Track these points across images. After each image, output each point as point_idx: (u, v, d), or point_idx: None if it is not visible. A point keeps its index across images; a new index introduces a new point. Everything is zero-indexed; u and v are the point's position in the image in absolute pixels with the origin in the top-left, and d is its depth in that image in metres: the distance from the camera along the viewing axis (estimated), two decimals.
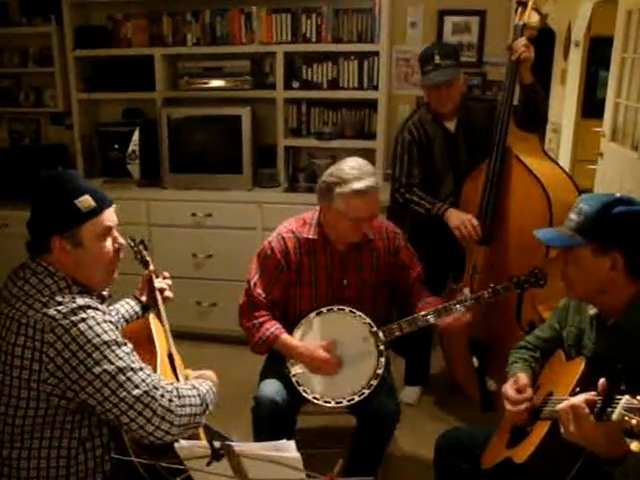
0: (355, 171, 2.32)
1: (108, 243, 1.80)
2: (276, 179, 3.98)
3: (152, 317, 2.20)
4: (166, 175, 3.97)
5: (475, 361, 2.79)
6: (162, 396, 1.67)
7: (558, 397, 1.68)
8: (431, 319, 2.33)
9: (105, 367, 1.62)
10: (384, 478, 2.73)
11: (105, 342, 1.64)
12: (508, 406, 1.83)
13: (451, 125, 3.01)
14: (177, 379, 2.06)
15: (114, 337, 1.67)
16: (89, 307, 1.68)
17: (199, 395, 1.79)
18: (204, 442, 1.43)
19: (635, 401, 1.22)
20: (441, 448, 2.13)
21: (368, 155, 3.90)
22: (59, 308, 1.64)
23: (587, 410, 1.36)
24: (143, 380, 1.66)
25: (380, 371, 2.36)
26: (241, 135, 3.77)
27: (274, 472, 1.43)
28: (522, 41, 2.67)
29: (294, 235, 2.48)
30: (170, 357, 2.13)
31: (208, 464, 1.43)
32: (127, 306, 2.30)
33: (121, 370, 1.64)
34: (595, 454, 1.40)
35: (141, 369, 1.68)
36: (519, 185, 2.72)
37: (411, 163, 3.00)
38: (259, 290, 2.45)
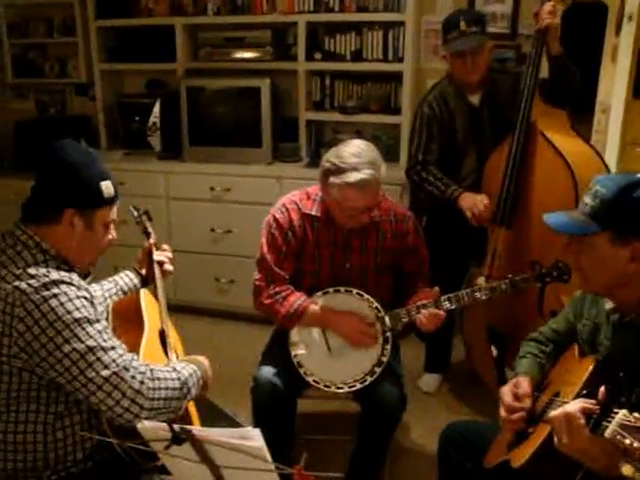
0: (354, 159, 2.16)
1: (109, 233, 1.78)
2: (297, 154, 3.87)
3: (143, 292, 2.13)
4: (186, 148, 3.89)
5: (494, 350, 2.65)
6: (133, 378, 1.60)
7: (562, 399, 1.53)
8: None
9: (74, 346, 1.56)
10: (392, 468, 2.62)
11: (76, 319, 1.58)
12: (502, 412, 1.70)
13: (475, 99, 2.83)
14: (167, 357, 1.99)
15: (86, 314, 1.60)
16: (62, 282, 1.62)
17: (178, 379, 1.71)
18: (166, 425, 1.35)
19: (632, 418, 1.06)
20: (444, 443, 2.01)
21: (393, 130, 3.79)
22: (31, 282, 1.58)
23: (582, 421, 1.20)
24: (113, 360, 1.59)
25: (385, 358, 2.25)
26: (260, 107, 3.66)
27: (241, 460, 1.34)
28: (547, 7, 2.48)
29: (297, 207, 2.37)
30: (162, 334, 2.06)
31: (167, 447, 1.35)
32: (126, 278, 2.24)
33: (91, 349, 1.58)
34: (592, 470, 1.26)
35: (113, 348, 1.61)
36: (543, 163, 2.54)
37: (430, 139, 2.84)
38: (274, 264, 2.34)
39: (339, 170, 2.15)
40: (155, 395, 1.62)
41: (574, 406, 1.24)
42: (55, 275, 1.62)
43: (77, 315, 1.59)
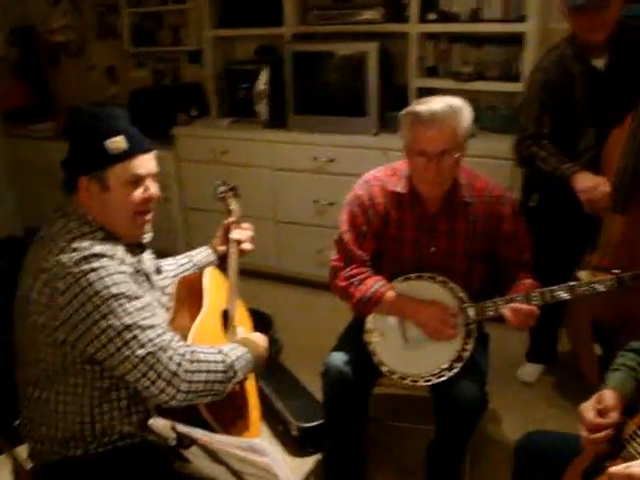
0: (433, 99, 1.98)
1: (137, 191, 1.66)
2: None
3: (209, 271, 2.04)
4: (291, 116, 3.77)
5: (598, 349, 2.33)
6: (170, 359, 1.53)
7: None
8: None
9: (111, 322, 1.52)
10: (474, 461, 2.40)
11: (113, 295, 1.53)
12: (583, 431, 1.43)
13: (599, 62, 2.44)
14: (227, 337, 1.90)
15: (124, 290, 1.54)
16: (104, 255, 1.56)
17: (223, 362, 1.63)
18: (170, 428, 1.24)
19: None
20: (520, 454, 1.76)
21: (512, 100, 3.43)
22: (72, 255, 1.54)
23: None
24: (150, 340, 1.53)
25: (466, 354, 2.03)
26: (367, 74, 3.44)
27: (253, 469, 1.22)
28: None
29: (381, 183, 2.17)
30: (225, 315, 1.97)
31: (175, 447, 1.26)
32: (201, 255, 2.18)
33: (127, 327, 1.52)
34: None
35: (151, 327, 1.55)
36: None
37: (542, 109, 2.49)
38: (352, 244, 2.17)
39: (412, 106, 1.99)
40: (194, 378, 1.55)
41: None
42: (97, 248, 1.57)
43: (115, 291, 1.53)
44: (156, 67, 4.55)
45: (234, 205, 2.31)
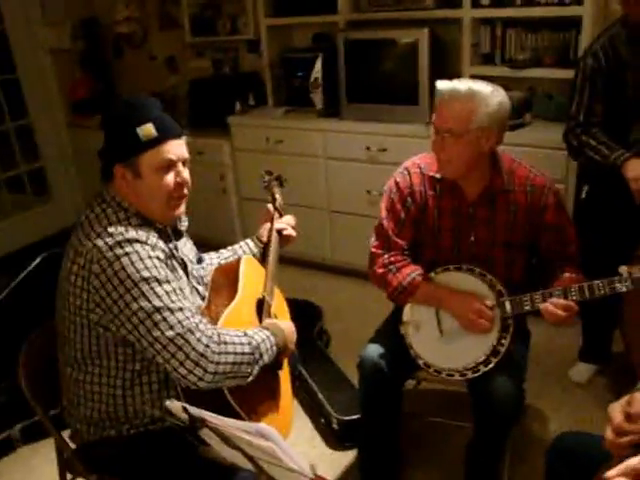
0: (457, 83, 1.96)
1: (169, 177, 1.72)
2: None
3: (245, 259, 2.08)
4: (344, 105, 3.76)
5: None
6: (198, 340, 1.58)
7: None
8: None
9: (142, 304, 1.58)
10: (516, 461, 2.36)
11: (144, 278, 1.59)
12: (608, 433, 1.38)
13: None
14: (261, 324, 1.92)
15: (155, 274, 1.61)
16: (137, 241, 1.64)
17: (249, 344, 1.67)
18: (182, 409, 1.28)
19: None
20: (551, 454, 1.72)
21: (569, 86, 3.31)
22: (107, 240, 1.62)
23: None
24: (179, 322, 1.59)
25: (502, 348, 1.99)
26: (418, 61, 3.39)
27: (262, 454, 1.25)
28: None
29: (420, 170, 2.15)
30: (260, 303, 2.00)
31: (187, 429, 1.32)
32: (246, 247, 2.24)
33: (157, 309, 1.58)
34: None
35: (180, 310, 1.61)
36: None
37: (593, 97, 2.41)
38: (391, 232, 2.17)
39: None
40: (221, 359, 1.60)
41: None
42: (132, 234, 1.64)
43: (146, 274, 1.60)
44: (216, 57, 4.61)
45: (278, 194, 2.35)
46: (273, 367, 1.93)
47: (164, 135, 1.69)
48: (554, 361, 3.01)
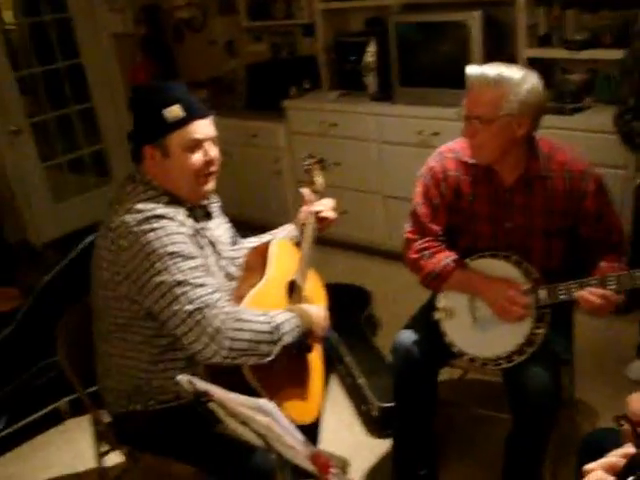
0: (487, 68, 1.90)
1: (197, 155, 1.77)
2: None
3: (276, 241, 2.09)
4: (396, 89, 3.72)
5: None
6: (215, 316, 1.62)
7: None
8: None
9: (165, 278, 1.63)
10: (562, 461, 2.27)
11: (169, 253, 1.65)
12: (625, 425, 1.33)
13: None
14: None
15: (180, 249, 1.66)
16: (164, 217, 1.70)
17: (269, 323, 1.70)
18: (188, 383, 1.32)
19: None
20: (582, 451, 1.67)
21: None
22: (136, 215, 1.68)
23: None
24: (199, 297, 1.63)
25: (537, 338, 1.94)
26: (471, 44, 3.30)
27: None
28: None
29: (455, 155, 2.11)
30: (291, 285, 2.01)
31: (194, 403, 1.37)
32: (285, 231, 2.25)
33: (179, 283, 1.63)
34: None
35: (201, 285, 1.65)
36: None
37: None
38: (425, 217, 2.14)
39: None
40: (237, 336, 1.63)
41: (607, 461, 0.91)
42: (160, 210, 1.70)
43: (171, 249, 1.65)
44: (273, 41, 4.63)
45: (318, 178, 2.35)
46: (301, 350, 1.95)
47: (190, 115, 1.74)
48: (611, 357, 2.90)
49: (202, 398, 1.30)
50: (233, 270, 1.98)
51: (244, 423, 1.33)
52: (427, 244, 2.12)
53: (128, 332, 1.79)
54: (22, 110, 4.56)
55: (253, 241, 2.22)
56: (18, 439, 2.72)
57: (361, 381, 2.72)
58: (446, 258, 2.08)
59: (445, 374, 2.66)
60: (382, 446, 2.52)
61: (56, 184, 4.79)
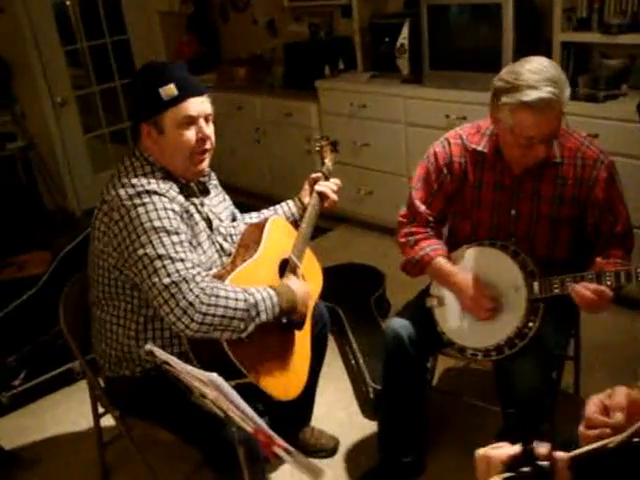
0: (534, 76, 1.78)
1: (190, 132, 1.82)
2: None
3: (272, 219, 2.12)
4: (426, 72, 3.66)
5: None
6: (190, 290, 1.66)
7: None
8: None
9: (147, 251, 1.69)
10: None
11: (154, 227, 1.70)
12: (581, 425, 1.30)
13: None
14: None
15: (165, 224, 1.72)
16: (156, 193, 1.76)
17: (245, 300, 1.73)
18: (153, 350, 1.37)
19: None
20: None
21: None
22: (128, 190, 1.75)
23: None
24: (177, 271, 1.68)
25: (529, 332, 1.90)
26: (502, 27, 3.21)
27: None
28: None
29: (462, 142, 2.07)
30: (284, 263, 2.03)
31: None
32: (286, 207, 2.29)
33: (160, 257, 1.69)
34: None
35: (181, 260, 1.70)
36: None
37: None
38: (420, 201, 2.14)
39: (514, 88, 1.80)
40: (209, 311, 1.67)
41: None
42: (152, 186, 1.76)
43: (157, 224, 1.71)
44: (312, 21, 4.62)
45: (328, 159, 2.36)
46: (288, 327, 1.97)
47: (185, 93, 1.78)
48: (625, 355, 2.81)
49: (162, 367, 1.34)
50: (227, 246, 2.01)
51: (203, 395, 1.36)
52: (414, 229, 2.13)
53: (117, 300, 1.85)
54: (69, 83, 4.71)
55: (254, 216, 2.26)
56: (34, 394, 2.88)
57: (361, 362, 2.72)
58: (428, 246, 2.07)
59: (450, 362, 2.65)
60: (375, 428, 2.52)
61: (97, 155, 4.95)
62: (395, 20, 3.83)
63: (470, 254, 2.05)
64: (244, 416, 1.28)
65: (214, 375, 1.26)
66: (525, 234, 2.01)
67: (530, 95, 1.76)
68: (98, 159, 4.95)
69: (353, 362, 2.82)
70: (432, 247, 2.07)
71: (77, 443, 2.62)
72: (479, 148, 2.03)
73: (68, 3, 4.81)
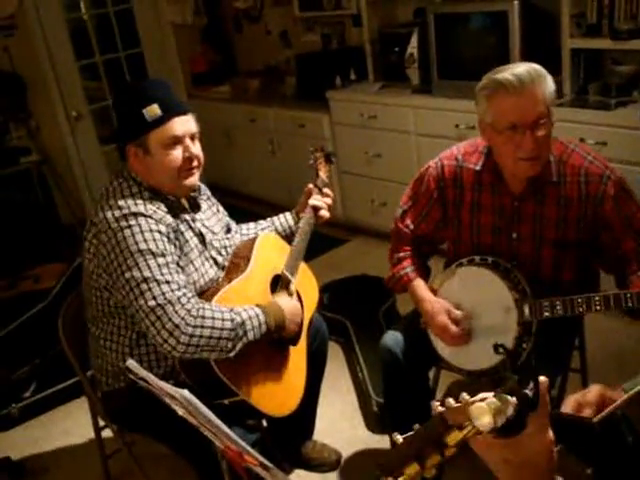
0: (512, 67, 1.75)
1: (176, 151, 1.83)
2: (559, 90, 3.28)
3: (263, 235, 2.12)
4: (435, 81, 3.64)
5: None
6: (176, 312, 1.67)
7: None
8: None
9: (133, 274, 1.70)
10: None
11: (140, 250, 1.72)
12: None
13: None
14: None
15: (151, 247, 1.73)
16: (142, 215, 1.77)
17: (232, 320, 1.73)
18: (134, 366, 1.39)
19: None
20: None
21: None
22: (115, 212, 1.76)
23: None
24: (163, 293, 1.69)
25: (522, 351, 1.86)
26: (509, 35, 3.18)
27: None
28: None
29: (457, 164, 2.01)
30: (275, 279, 2.03)
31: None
32: (282, 219, 2.30)
33: (145, 279, 1.70)
34: None
35: (167, 282, 1.71)
36: None
37: None
38: (407, 221, 2.12)
39: (490, 80, 1.77)
40: (196, 332, 1.67)
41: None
42: (139, 207, 1.77)
43: (142, 247, 1.72)
44: (324, 31, 4.63)
45: (322, 172, 2.35)
46: (281, 343, 1.97)
47: (169, 113, 1.79)
48: (631, 362, 2.76)
49: (140, 382, 1.35)
50: (221, 260, 2.02)
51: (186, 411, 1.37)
52: (399, 246, 2.13)
53: (110, 317, 1.88)
54: (83, 97, 4.79)
55: (250, 227, 2.26)
56: (44, 406, 2.93)
57: (366, 374, 2.71)
58: (408, 267, 2.07)
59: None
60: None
61: (114, 166, 4.99)
62: (404, 30, 3.82)
63: (459, 274, 1.99)
64: (216, 432, 1.27)
65: (185, 392, 1.26)
66: (528, 257, 1.93)
67: (504, 75, 1.73)
68: (115, 171, 5.00)
69: (360, 375, 2.81)
70: (412, 268, 2.06)
71: (84, 455, 2.66)
72: (477, 168, 1.96)
73: (85, 18, 4.89)
